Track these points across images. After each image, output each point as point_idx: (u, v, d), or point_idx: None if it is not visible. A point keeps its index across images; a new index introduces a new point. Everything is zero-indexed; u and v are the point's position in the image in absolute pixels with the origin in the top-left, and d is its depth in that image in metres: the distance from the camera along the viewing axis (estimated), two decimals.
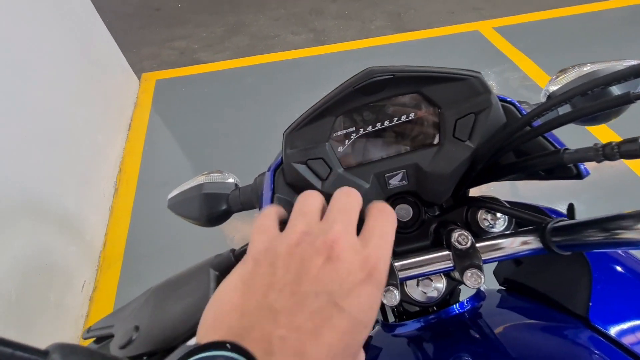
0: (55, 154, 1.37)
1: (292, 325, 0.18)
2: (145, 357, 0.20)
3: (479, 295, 0.40)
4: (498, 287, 0.47)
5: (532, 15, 2.65)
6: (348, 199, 0.23)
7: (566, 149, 0.25)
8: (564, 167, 0.28)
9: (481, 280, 0.29)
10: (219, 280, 0.23)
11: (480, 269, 0.29)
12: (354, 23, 2.76)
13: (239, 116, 2.08)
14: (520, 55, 2.32)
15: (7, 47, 1.23)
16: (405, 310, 0.43)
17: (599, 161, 0.23)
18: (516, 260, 0.45)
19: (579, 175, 0.28)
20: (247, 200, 0.42)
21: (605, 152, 0.22)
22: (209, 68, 2.46)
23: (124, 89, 2.16)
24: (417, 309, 0.42)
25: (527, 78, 2.17)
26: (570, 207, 0.28)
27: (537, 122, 0.29)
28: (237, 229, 1.57)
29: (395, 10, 2.86)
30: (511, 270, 0.45)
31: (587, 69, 0.38)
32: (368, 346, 0.43)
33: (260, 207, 0.38)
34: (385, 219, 0.23)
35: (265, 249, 0.21)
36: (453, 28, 2.61)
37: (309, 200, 0.24)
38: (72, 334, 1.26)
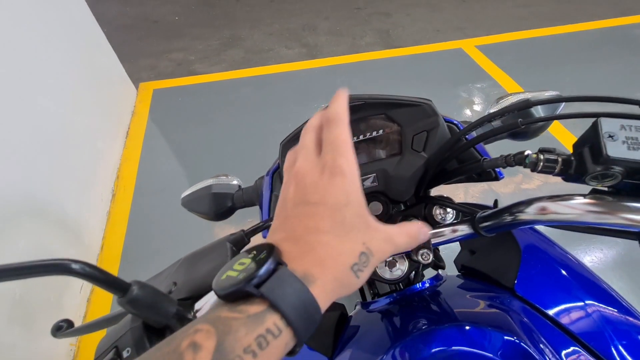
0: (57, 159, 1.44)
1: (286, 231, 0.25)
2: (189, 300, 0.28)
3: (437, 277, 0.49)
4: (457, 273, 0.56)
5: (512, 34, 2.83)
6: (305, 130, 0.29)
7: (485, 158, 0.35)
8: (486, 172, 0.37)
9: (429, 258, 0.38)
10: (233, 251, 0.32)
11: (429, 249, 0.38)
12: (345, 39, 2.89)
13: (233, 125, 2.16)
14: (500, 72, 2.47)
15: (12, 56, 1.30)
16: (378, 291, 0.52)
17: (504, 167, 0.32)
18: (470, 250, 0.55)
19: (497, 178, 0.37)
20: (249, 198, 0.50)
21: (507, 160, 0.32)
22: (205, 79, 2.55)
23: (122, 98, 2.24)
24: (389, 289, 0.51)
25: (506, 94, 2.31)
26: (495, 202, 0.38)
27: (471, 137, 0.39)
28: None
29: (385, 28, 3.01)
30: (467, 259, 0.55)
31: (518, 96, 0.48)
32: (349, 323, 0.52)
33: (260, 205, 0.47)
34: (333, 126, 0.27)
35: (282, 197, 0.28)
36: (438, 45, 2.77)
37: (301, 141, 0.29)
38: None
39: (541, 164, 0.28)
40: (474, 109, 2.24)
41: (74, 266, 0.23)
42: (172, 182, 1.88)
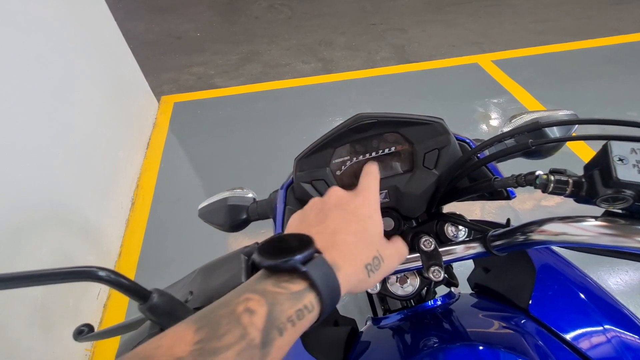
0: (81, 168, 1.50)
1: (322, 226, 0.32)
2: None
3: (449, 295, 0.49)
4: (471, 292, 0.56)
5: (530, 49, 2.81)
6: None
7: (497, 177, 0.35)
8: (497, 191, 0.37)
9: (441, 275, 0.38)
10: (247, 263, 0.33)
11: (440, 266, 0.38)
12: (361, 54, 2.94)
13: (250, 138, 2.21)
14: (518, 87, 2.44)
15: (46, 70, 1.38)
16: (389, 307, 0.52)
17: (515, 187, 0.33)
18: (484, 268, 0.54)
19: (508, 198, 0.37)
20: (263, 211, 0.52)
21: (518, 180, 0.32)
22: (223, 93, 2.63)
23: (145, 111, 2.32)
24: (400, 305, 0.51)
25: (524, 109, 2.28)
26: (507, 221, 0.38)
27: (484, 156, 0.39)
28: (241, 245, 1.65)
29: (400, 43, 3.04)
30: (481, 277, 0.54)
31: (532, 115, 0.48)
32: (360, 338, 0.51)
33: (274, 218, 0.48)
34: (368, 175, 0.38)
35: (314, 203, 0.36)
36: (454, 60, 2.77)
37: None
38: None
39: (552, 185, 0.28)
40: (490, 124, 2.22)
41: (101, 273, 0.24)
42: (189, 192, 1.93)
